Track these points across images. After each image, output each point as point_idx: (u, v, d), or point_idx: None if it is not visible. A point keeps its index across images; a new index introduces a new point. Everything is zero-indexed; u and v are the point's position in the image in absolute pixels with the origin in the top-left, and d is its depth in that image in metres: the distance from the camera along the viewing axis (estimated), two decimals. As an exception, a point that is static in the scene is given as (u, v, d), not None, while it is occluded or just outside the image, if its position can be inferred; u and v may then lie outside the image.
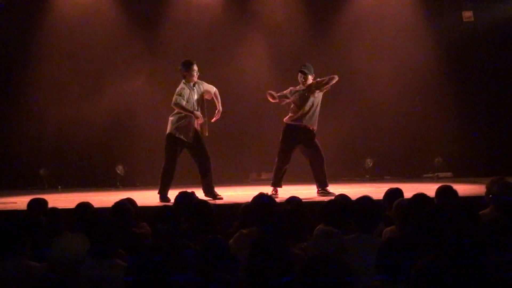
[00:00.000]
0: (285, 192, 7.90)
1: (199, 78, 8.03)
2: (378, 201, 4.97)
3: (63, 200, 8.23)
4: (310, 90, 8.25)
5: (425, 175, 11.24)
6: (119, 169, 11.23)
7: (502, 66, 11.31)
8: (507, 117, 11.28)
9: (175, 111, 7.97)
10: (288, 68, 11.38)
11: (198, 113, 7.86)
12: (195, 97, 7.91)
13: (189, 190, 5.97)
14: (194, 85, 7.95)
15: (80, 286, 3.04)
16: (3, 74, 11.59)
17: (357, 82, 11.51)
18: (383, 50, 11.26)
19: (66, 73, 11.41)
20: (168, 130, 8.03)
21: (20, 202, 7.97)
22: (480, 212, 4.91)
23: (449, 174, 11.04)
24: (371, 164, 11.35)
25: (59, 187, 11.21)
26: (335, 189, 8.36)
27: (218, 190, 8.72)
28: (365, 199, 4.63)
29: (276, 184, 8.25)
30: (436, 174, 11.11)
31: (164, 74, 11.32)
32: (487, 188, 5.49)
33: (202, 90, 8.03)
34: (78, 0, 11.50)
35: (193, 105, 7.89)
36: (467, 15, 11.03)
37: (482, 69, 11.30)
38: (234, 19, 11.49)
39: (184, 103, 7.83)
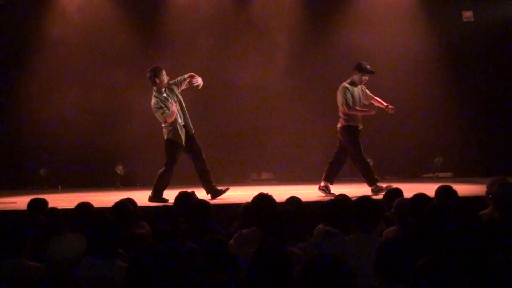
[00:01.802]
0: (285, 192, 7.90)
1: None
2: (378, 201, 4.97)
3: (63, 200, 8.23)
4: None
5: (425, 175, 11.23)
6: (119, 169, 11.23)
7: (502, 66, 11.29)
8: (507, 117, 11.26)
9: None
10: (288, 67, 11.39)
11: (172, 106, 7.90)
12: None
13: (189, 190, 5.97)
14: (165, 91, 8.00)
15: (79, 285, 3.04)
16: (2, 74, 11.58)
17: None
18: (383, 50, 11.23)
19: (66, 73, 11.40)
20: (165, 137, 8.08)
21: (20, 202, 7.97)
22: (480, 212, 4.91)
23: (449, 174, 11.03)
24: (371, 164, 11.32)
25: (59, 187, 11.21)
26: (335, 189, 8.37)
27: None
28: (365, 199, 4.64)
29: (375, 180, 8.19)
30: (436, 174, 11.10)
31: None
32: (487, 188, 5.49)
33: (175, 91, 8.07)
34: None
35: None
36: (467, 15, 11.02)
37: (482, 69, 11.28)
38: (234, 17, 11.47)
39: (168, 113, 7.89)
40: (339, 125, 8.37)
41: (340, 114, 8.33)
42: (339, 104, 8.29)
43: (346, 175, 11.40)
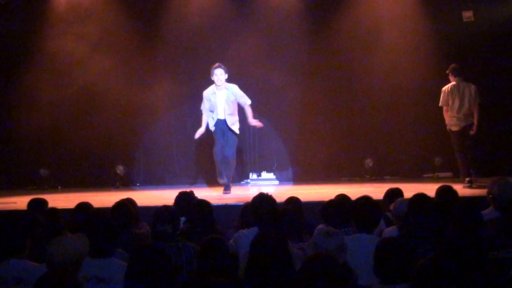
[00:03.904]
0: (285, 192, 7.91)
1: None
2: (378, 201, 4.98)
3: (63, 200, 8.24)
4: None
5: (425, 175, 11.23)
6: (119, 169, 11.22)
7: (502, 66, 11.29)
8: (507, 117, 11.25)
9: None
10: (290, 67, 11.38)
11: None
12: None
13: (188, 190, 5.98)
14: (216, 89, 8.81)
15: (79, 285, 3.04)
16: (2, 73, 11.57)
17: (357, 82, 11.50)
18: (383, 50, 11.24)
19: (65, 73, 11.39)
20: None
21: (20, 202, 7.97)
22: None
23: (449, 174, 11.03)
24: (371, 164, 11.34)
25: (59, 187, 11.21)
26: (335, 189, 8.36)
27: (219, 190, 8.77)
28: (365, 199, 4.64)
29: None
30: (436, 174, 11.09)
31: (165, 73, 11.31)
32: (488, 188, 5.49)
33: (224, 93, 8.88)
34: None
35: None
36: (467, 15, 11.01)
37: (482, 69, 11.26)
38: (233, 15, 11.44)
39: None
40: (472, 121, 8.96)
41: (470, 111, 8.96)
42: (477, 101, 8.98)
43: (346, 175, 11.42)
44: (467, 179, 8.85)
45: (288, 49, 11.43)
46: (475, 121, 8.96)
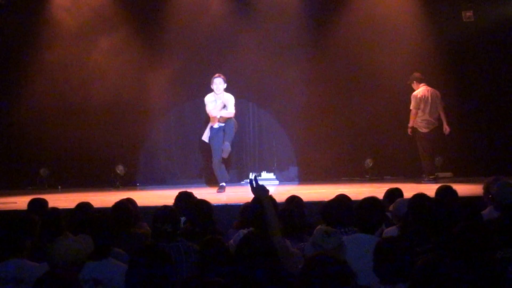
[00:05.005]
0: (285, 192, 7.90)
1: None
2: (383, 201, 4.98)
3: (63, 200, 8.24)
4: None
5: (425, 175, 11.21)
6: (119, 169, 11.22)
7: (502, 66, 11.29)
8: (507, 117, 11.26)
9: None
10: (289, 67, 11.36)
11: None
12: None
13: (188, 190, 5.98)
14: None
15: (79, 286, 3.04)
16: (2, 74, 11.57)
17: (357, 82, 11.50)
18: (383, 50, 11.22)
19: (65, 73, 11.39)
20: None
21: (20, 202, 7.97)
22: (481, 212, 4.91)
23: (449, 174, 11.03)
24: (371, 164, 11.33)
25: (59, 187, 11.20)
26: (335, 189, 8.35)
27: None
28: (371, 200, 4.63)
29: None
30: (436, 174, 11.08)
31: (165, 73, 11.30)
32: (484, 188, 5.50)
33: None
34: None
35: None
36: (467, 15, 11.01)
37: (482, 69, 11.28)
38: (237, 15, 11.42)
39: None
40: (437, 124, 10.07)
41: (437, 115, 10.09)
42: (442, 105, 10.15)
43: (346, 175, 11.42)
44: (431, 176, 9.95)
45: (290, 50, 11.40)
46: (445, 121, 10.05)
